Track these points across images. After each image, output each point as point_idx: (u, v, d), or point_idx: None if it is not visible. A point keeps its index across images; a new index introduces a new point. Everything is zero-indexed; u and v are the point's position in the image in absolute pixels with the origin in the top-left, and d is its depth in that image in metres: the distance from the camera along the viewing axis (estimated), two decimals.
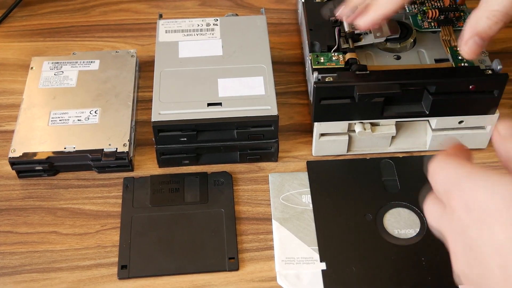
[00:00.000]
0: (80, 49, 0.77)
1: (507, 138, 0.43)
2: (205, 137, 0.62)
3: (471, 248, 0.40)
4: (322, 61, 0.62)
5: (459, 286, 0.52)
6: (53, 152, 0.62)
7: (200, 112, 0.61)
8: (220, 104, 0.62)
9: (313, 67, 0.62)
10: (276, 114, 0.61)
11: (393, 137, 0.65)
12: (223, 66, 0.65)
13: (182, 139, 0.62)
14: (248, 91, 0.63)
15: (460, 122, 0.63)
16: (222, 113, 0.61)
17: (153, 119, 0.60)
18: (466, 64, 0.62)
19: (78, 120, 0.65)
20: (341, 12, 0.61)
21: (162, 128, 0.61)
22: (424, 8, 0.68)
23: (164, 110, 0.61)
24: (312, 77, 0.61)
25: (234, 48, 0.67)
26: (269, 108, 0.61)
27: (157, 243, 0.59)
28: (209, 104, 0.62)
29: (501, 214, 0.38)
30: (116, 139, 0.63)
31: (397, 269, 0.57)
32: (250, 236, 0.60)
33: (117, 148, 0.63)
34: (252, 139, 0.63)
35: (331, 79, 0.60)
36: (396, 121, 0.64)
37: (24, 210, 0.62)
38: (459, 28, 0.66)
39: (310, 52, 0.64)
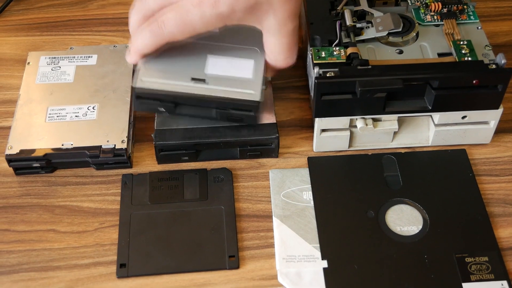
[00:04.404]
0: (77, 43, 0.76)
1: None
2: (184, 111, 0.61)
3: None
4: (323, 55, 0.61)
5: None
6: (51, 149, 0.62)
7: (182, 85, 0.59)
8: (203, 80, 0.60)
9: (314, 62, 0.61)
10: (257, 100, 0.59)
11: (395, 133, 0.64)
12: (216, 43, 0.63)
13: (160, 108, 0.61)
14: (235, 72, 0.61)
15: (463, 117, 0.62)
16: (203, 90, 0.59)
17: (134, 85, 0.59)
18: (469, 59, 0.61)
19: (76, 116, 0.64)
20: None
21: (141, 95, 0.60)
22: (427, 1, 0.67)
23: (147, 77, 0.60)
24: (313, 72, 0.60)
25: (232, 26, 0.64)
26: (252, 92, 0.59)
27: (156, 241, 0.58)
28: (193, 79, 0.60)
29: None
30: (114, 136, 0.63)
31: (400, 267, 0.56)
32: (251, 234, 0.59)
33: (115, 145, 0.62)
34: (232, 121, 0.61)
35: (333, 74, 0.59)
36: (398, 116, 0.63)
37: (21, 207, 0.61)
38: (463, 22, 0.65)
39: (311, 47, 0.63)
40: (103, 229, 0.60)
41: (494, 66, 0.59)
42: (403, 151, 0.65)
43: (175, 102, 0.60)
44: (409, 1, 0.67)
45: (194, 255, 0.57)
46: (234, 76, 0.61)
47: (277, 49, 0.60)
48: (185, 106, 0.61)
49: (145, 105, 0.61)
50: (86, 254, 0.58)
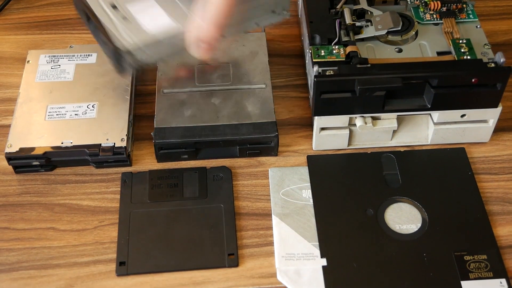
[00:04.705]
0: (77, 42, 0.76)
1: None
2: (91, 27, 0.60)
3: None
4: (322, 54, 0.61)
5: None
6: (50, 147, 0.62)
7: (110, 12, 0.58)
8: (115, 7, 0.58)
9: (314, 60, 0.61)
10: (117, 45, 0.56)
11: (394, 131, 0.65)
12: (187, 6, 0.59)
13: (82, 15, 0.60)
14: (145, 19, 0.57)
15: (462, 115, 0.62)
16: (102, 13, 0.58)
17: None
18: (468, 57, 0.61)
19: (76, 114, 0.64)
20: None
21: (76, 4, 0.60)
22: (426, 0, 0.67)
23: None
24: (313, 71, 0.60)
25: None
26: (126, 37, 0.56)
27: (156, 239, 0.58)
28: (111, 5, 0.58)
29: None
30: (114, 134, 0.63)
31: (398, 265, 0.56)
32: (250, 232, 0.59)
33: (115, 143, 0.62)
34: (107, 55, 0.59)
35: (332, 73, 0.59)
36: (398, 115, 0.63)
37: (21, 206, 0.61)
38: (462, 20, 0.65)
39: (310, 45, 0.63)
40: (103, 227, 0.60)
41: (493, 65, 0.59)
42: (402, 149, 0.65)
43: (86, 14, 0.59)
44: (408, 0, 0.67)
45: (193, 253, 0.57)
46: (140, 20, 0.57)
47: (199, 15, 0.53)
48: (92, 21, 0.59)
49: (76, 4, 0.61)
50: (85, 252, 0.58)
